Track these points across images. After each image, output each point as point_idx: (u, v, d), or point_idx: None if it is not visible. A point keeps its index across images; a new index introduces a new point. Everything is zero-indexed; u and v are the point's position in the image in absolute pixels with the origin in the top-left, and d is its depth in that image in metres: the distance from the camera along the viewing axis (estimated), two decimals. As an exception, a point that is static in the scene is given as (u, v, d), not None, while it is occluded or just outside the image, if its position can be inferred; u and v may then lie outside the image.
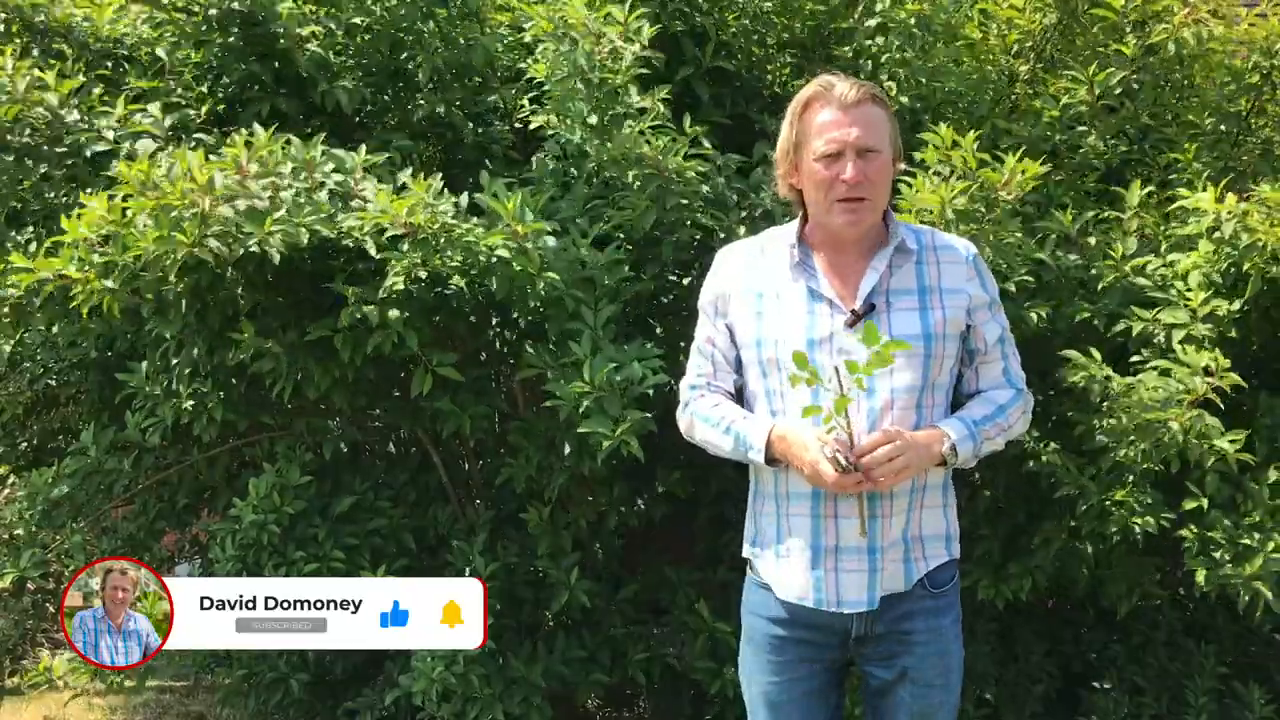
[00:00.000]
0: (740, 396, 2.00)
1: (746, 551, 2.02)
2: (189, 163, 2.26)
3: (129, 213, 2.29)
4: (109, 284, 2.34)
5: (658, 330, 2.89)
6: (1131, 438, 2.36)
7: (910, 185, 2.43)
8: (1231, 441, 2.30)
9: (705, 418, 1.95)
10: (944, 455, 1.82)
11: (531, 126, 2.78)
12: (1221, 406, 2.31)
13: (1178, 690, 2.98)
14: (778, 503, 1.91)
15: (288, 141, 2.44)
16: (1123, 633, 3.10)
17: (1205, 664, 2.97)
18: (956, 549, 1.96)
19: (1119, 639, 3.11)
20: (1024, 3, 2.88)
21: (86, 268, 2.33)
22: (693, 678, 2.88)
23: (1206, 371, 2.29)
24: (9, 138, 2.66)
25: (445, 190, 2.42)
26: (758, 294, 1.91)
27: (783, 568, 1.91)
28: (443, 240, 2.31)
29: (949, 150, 2.42)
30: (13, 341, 3.22)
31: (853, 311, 1.83)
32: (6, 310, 2.56)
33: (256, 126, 2.44)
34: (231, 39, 2.79)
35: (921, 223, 2.35)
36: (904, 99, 2.84)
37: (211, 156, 2.36)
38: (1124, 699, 2.99)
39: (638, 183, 2.51)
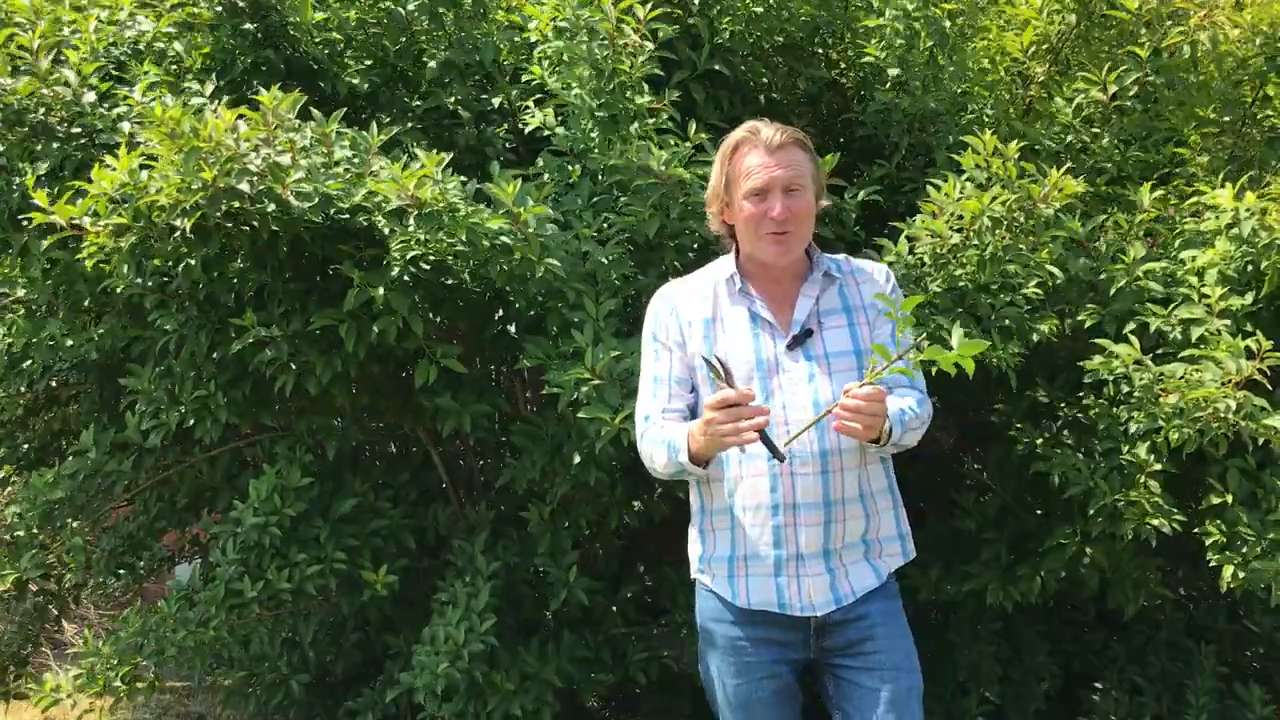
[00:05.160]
0: (694, 415, 2.06)
1: (695, 571, 2.10)
2: (215, 116, 2.28)
3: (146, 175, 2.29)
4: (119, 243, 2.34)
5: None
6: (1177, 422, 2.29)
7: (939, 188, 2.46)
8: None
9: (653, 439, 2.01)
10: (889, 427, 1.89)
11: (531, 127, 2.79)
12: (1270, 388, 2.25)
13: (1178, 690, 2.98)
14: (733, 517, 2.00)
15: (306, 114, 2.45)
16: (1124, 633, 3.10)
17: (1205, 664, 2.96)
18: (911, 549, 2.10)
19: (1120, 639, 3.12)
20: (1042, 4, 2.88)
21: (101, 223, 2.34)
22: (689, 673, 2.88)
23: (1249, 353, 2.25)
24: (26, 114, 2.64)
25: (452, 173, 2.43)
26: (705, 320, 2.05)
27: (741, 579, 2.01)
28: (447, 218, 2.33)
29: (989, 157, 2.43)
30: (16, 340, 3.20)
31: (793, 336, 1.99)
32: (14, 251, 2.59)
33: (274, 90, 2.42)
34: (244, 24, 2.83)
35: (953, 229, 2.43)
36: (905, 102, 2.81)
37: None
38: (1124, 699, 2.98)
39: (642, 191, 2.52)
